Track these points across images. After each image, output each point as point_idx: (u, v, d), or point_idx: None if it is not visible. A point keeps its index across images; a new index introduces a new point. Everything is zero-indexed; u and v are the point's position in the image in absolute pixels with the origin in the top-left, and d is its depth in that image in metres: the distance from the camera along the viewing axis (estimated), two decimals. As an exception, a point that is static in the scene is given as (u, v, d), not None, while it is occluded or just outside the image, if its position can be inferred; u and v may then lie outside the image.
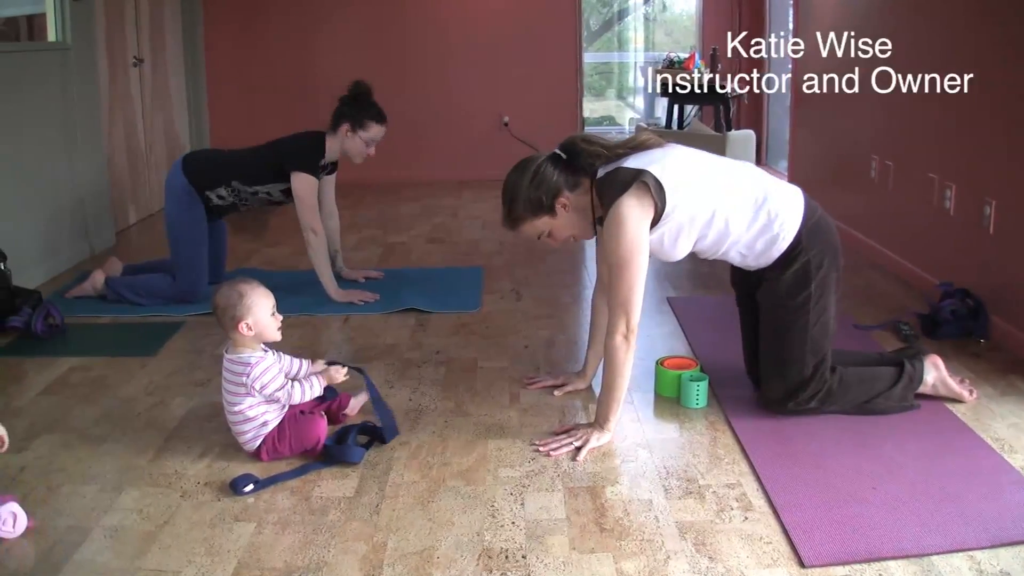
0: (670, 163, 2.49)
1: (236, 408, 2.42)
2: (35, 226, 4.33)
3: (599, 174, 2.55)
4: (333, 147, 3.88)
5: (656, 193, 2.43)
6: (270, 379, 2.41)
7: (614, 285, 2.48)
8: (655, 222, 2.47)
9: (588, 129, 7.82)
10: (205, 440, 2.59)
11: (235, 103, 6.93)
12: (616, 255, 2.45)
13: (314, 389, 2.51)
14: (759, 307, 2.71)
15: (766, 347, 2.70)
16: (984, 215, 3.43)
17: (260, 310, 2.43)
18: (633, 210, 2.43)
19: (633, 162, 2.50)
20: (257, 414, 2.43)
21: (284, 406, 2.48)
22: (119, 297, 3.86)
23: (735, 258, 2.64)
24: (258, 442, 2.44)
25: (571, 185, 2.56)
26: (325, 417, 2.54)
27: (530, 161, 2.59)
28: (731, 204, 2.52)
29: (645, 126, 7.02)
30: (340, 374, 2.59)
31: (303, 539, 2.09)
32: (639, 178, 2.43)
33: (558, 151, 2.59)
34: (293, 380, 2.50)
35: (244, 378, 2.39)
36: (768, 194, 2.56)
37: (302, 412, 2.51)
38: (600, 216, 2.55)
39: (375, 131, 3.86)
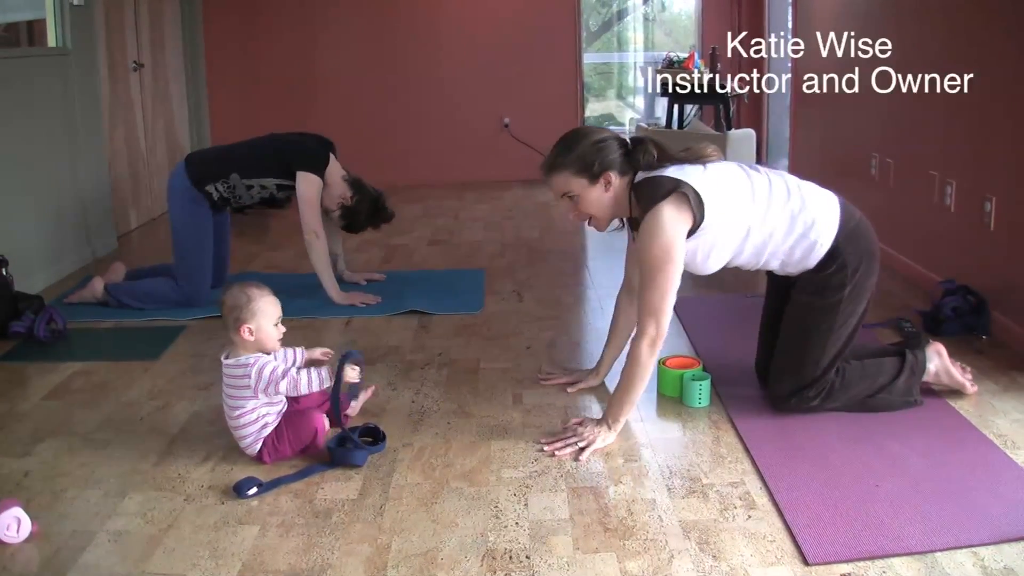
0: (709, 177, 2.51)
1: (237, 412, 2.43)
2: (37, 231, 4.34)
3: (638, 178, 2.56)
4: (333, 175, 3.89)
5: (695, 205, 2.44)
6: (271, 370, 2.39)
7: (646, 290, 2.48)
8: (691, 233, 2.48)
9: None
10: (208, 444, 2.59)
11: (236, 106, 6.93)
12: (650, 258, 2.45)
13: (323, 379, 2.44)
14: (790, 302, 2.70)
15: (786, 343, 2.69)
16: (985, 212, 3.43)
17: (265, 318, 2.42)
18: (672, 216, 2.44)
19: (674, 172, 2.51)
20: (257, 416, 2.43)
21: (284, 403, 2.47)
22: (120, 304, 3.85)
23: (775, 267, 2.65)
24: (259, 445, 2.44)
25: (621, 171, 2.57)
26: (324, 415, 2.53)
27: (601, 129, 2.63)
28: (768, 219, 2.53)
29: (645, 126, 7.01)
30: (354, 374, 2.50)
31: (307, 541, 2.09)
32: (679, 188, 2.45)
33: (627, 138, 2.63)
34: (298, 369, 2.47)
35: (246, 379, 2.39)
36: (805, 202, 2.56)
37: (297, 411, 2.51)
38: (633, 218, 2.56)
39: (344, 228, 4.04)
